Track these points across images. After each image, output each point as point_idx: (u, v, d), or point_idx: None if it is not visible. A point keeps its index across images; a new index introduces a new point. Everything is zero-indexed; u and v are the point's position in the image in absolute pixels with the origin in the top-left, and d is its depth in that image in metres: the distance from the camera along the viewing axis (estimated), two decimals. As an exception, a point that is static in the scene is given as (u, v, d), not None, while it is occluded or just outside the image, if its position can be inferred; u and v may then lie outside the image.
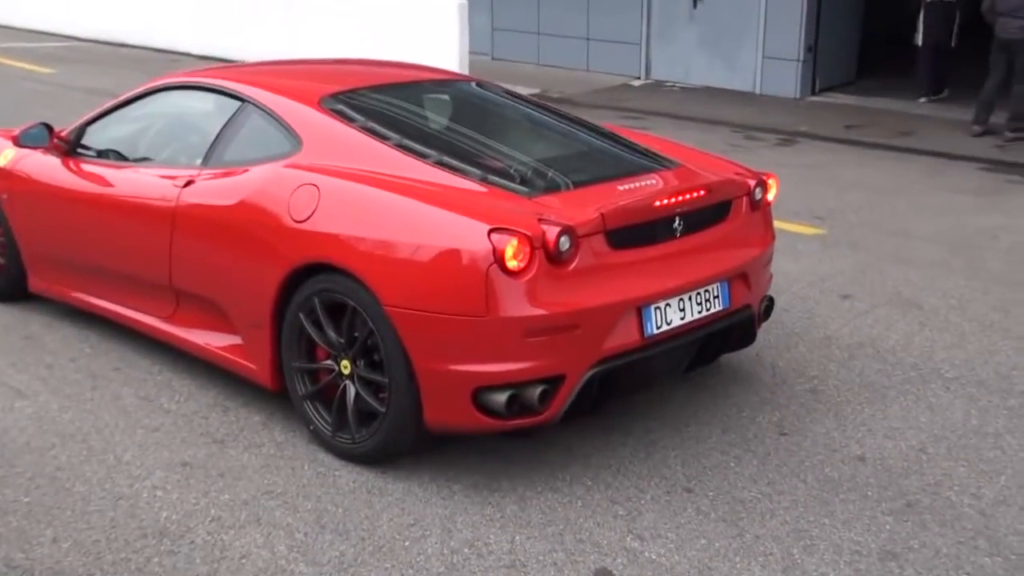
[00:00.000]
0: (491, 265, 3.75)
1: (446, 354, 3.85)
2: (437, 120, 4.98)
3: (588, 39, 14.51)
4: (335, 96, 4.74)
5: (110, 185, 5.12)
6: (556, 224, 3.84)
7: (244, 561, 3.61)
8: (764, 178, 4.70)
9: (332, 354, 4.22)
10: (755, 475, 4.19)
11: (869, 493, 4.06)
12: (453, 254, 3.83)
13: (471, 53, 12.61)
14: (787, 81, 12.94)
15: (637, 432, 4.51)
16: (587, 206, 4.04)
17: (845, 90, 13.37)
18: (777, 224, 7.28)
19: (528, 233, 3.79)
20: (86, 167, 5.29)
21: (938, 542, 3.75)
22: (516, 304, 3.79)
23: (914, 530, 3.82)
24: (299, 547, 3.69)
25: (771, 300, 4.84)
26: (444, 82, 5.51)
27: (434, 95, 5.26)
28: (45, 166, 5.42)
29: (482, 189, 4.15)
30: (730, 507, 3.96)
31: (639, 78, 14.20)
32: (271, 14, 14.68)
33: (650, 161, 4.67)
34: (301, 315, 4.24)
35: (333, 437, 4.25)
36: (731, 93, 13.32)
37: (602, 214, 3.98)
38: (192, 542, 3.71)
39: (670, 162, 4.67)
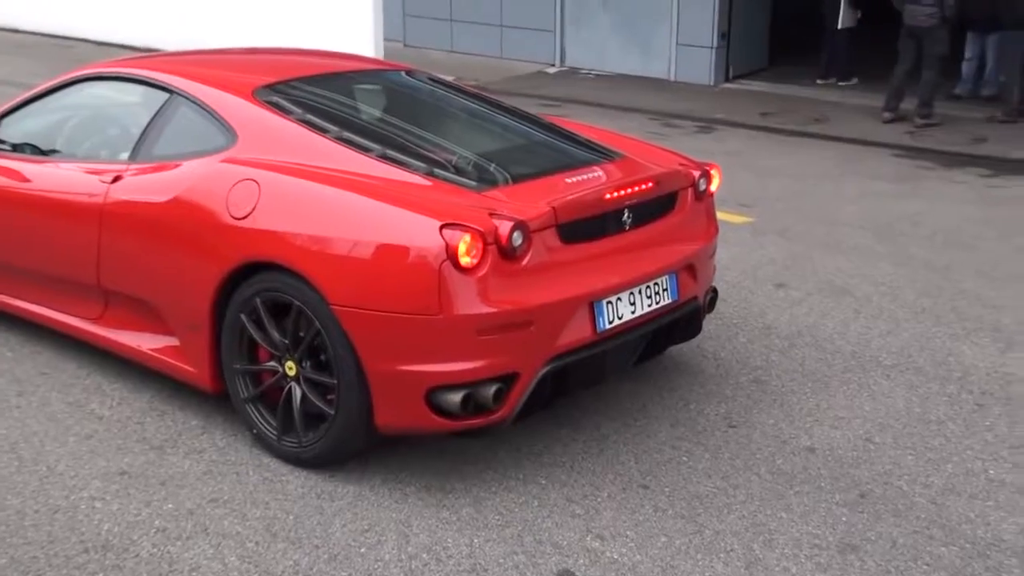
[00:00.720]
0: (444, 262, 3.66)
1: (398, 354, 3.75)
2: (374, 112, 4.86)
3: (502, 26, 14.42)
4: (268, 87, 4.58)
5: (29, 181, 4.89)
6: (509, 219, 3.76)
7: (195, 574, 3.47)
8: (708, 168, 4.68)
9: (276, 355, 4.08)
10: (708, 469, 4.17)
11: (822, 485, 4.07)
12: (403, 251, 3.73)
13: (384, 40, 12.42)
14: (701, 68, 13.03)
15: (587, 428, 4.46)
16: (537, 200, 3.96)
17: (758, 76, 13.51)
18: None
19: (481, 228, 3.70)
20: (2, 162, 5.03)
21: (894, 532, 3.77)
22: (469, 302, 3.70)
23: (870, 521, 3.84)
24: (251, 557, 3.56)
25: (715, 291, 4.84)
26: (376, 72, 5.39)
27: (368, 85, 5.13)
28: (-42, 160, 5.15)
29: (428, 183, 4.04)
30: (687, 503, 3.93)
31: (554, 65, 14.16)
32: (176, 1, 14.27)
33: (594, 153, 4.62)
34: (242, 315, 4.09)
35: (279, 441, 4.11)
36: (646, 80, 13.36)
37: (553, 208, 3.91)
38: (137, 555, 3.56)
39: (614, 153, 4.62)
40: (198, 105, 4.50)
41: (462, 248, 3.65)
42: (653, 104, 12.17)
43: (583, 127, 5.12)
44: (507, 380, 3.83)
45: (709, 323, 5.45)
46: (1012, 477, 4.14)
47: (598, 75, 13.73)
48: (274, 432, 4.13)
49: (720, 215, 7.44)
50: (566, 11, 13.97)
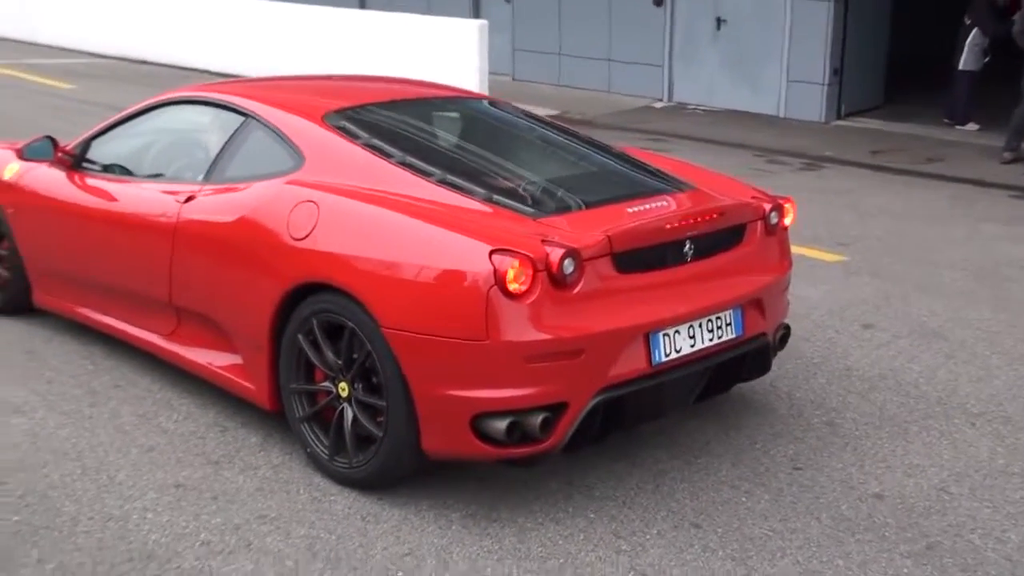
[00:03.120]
0: (492, 287, 3.64)
1: (445, 378, 3.74)
2: (444, 137, 4.89)
3: (610, 60, 14.42)
4: (339, 112, 4.66)
5: (113, 200, 5.05)
6: (560, 246, 3.72)
7: (230, 590, 3.49)
8: (781, 202, 4.58)
9: (330, 376, 4.12)
10: (766, 511, 4.04)
11: (887, 534, 3.91)
12: (453, 275, 3.72)
13: (491, 73, 12.56)
14: (812, 105, 12.80)
15: (645, 463, 4.37)
16: (593, 228, 3.92)
17: (872, 114, 13.21)
18: (798, 249, 7.18)
19: (531, 255, 3.68)
20: (90, 181, 5.23)
21: (957, 586, 3.59)
22: (517, 328, 3.67)
23: (933, 572, 3.66)
24: (288, 575, 3.57)
25: (787, 328, 4.70)
26: (453, 99, 5.42)
27: (442, 112, 5.17)
28: (49, 180, 5.37)
29: (486, 209, 4.04)
30: (739, 544, 3.81)
31: (661, 100, 14.09)
32: (292, 33, 14.68)
33: (662, 183, 4.56)
34: (299, 336, 4.14)
35: (330, 461, 4.14)
36: (755, 116, 13.19)
37: (608, 236, 3.86)
38: (179, 567, 3.61)
39: (684, 184, 4.55)
40: (270, 128, 4.60)
41: (511, 274, 3.63)
42: (760, 141, 12.00)
43: (659, 158, 5.07)
44: (555, 410, 3.79)
45: (785, 361, 5.33)
46: (1095, 535, 3.91)
47: (706, 111, 13.62)
48: (326, 452, 4.16)
49: (813, 252, 7.41)
50: (675, 46, 13.91)
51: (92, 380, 5.07)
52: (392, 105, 4.98)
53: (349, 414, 4.07)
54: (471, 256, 3.72)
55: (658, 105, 14.03)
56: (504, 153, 4.83)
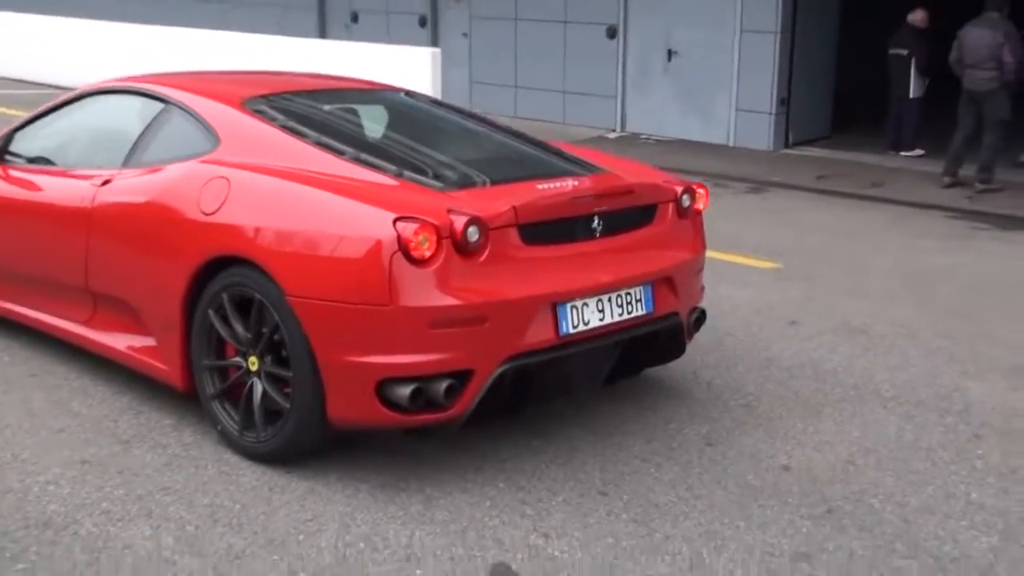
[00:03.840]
0: (395, 253, 3.69)
1: (349, 345, 3.77)
2: (361, 123, 4.96)
3: (564, 92, 14.61)
4: (259, 98, 4.73)
5: (32, 189, 5.08)
6: (464, 214, 3.78)
7: (127, 551, 3.49)
8: (693, 186, 4.66)
9: (240, 351, 4.14)
10: (674, 481, 4.09)
11: (790, 500, 3.96)
12: (357, 242, 3.77)
13: (445, 102, 12.65)
14: (760, 134, 12.99)
15: (558, 439, 4.41)
16: (500, 201, 3.98)
17: (819, 144, 13.41)
18: (730, 258, 7.39)
19: (435, 222, 3.73)
20: (12, 172, 5.24)
21: (854, 544, 3.64)
22: (420, 293, 3.72)
23: (831, 533, 3.71)
24: (187, 539, 3.57)
25: (703, 312, 4.77)
26: (372, 90, 5.52)
27: (361, 102, 5.25)
28: (-31, 173, 5.37)
29: (394, 183, 4.10)
30: (643, 509, 3.85)
31: (615, 130, 14.26)
32: (251, 63, 14.76)
33: (574, 166, 4.64)
34: (210, 311, 4.17)
35: (240, 436, 4.16)
36: (705, 145, 13.36)
37: (514, 207, 3.93)
38: (76, 533, 3.60)
39: (595, 168, 4.63)
40: (188, 113, 4.65)
41: (414, 240, 3.68)
42: (709, 167, 12.12)
43: (578, 148, 5.14)
44: (460, 377, 3.82)
45: (708, 354, 5.40)
46: (995, 501, 3.98)
47: (658, 140, 13.79)
48: (236, 428, 4.17)
49: (746, 260, 7.51)
50: (628, 78, 14.11)
51: (7, 369, 5.06)
52: (311, 94, 5.06)
53: (258, 388, 4.09)
54: (375, 223, 3.77)
55: (611, 135, 14.19)
56: (419, 137, 4.90)
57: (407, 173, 4.20)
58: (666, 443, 4.41)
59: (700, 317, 4.74)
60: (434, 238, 3.71)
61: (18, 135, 5.36)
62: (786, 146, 13.24)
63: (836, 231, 8.83)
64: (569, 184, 4.28)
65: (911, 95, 12.41)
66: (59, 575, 3.35)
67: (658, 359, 4.65)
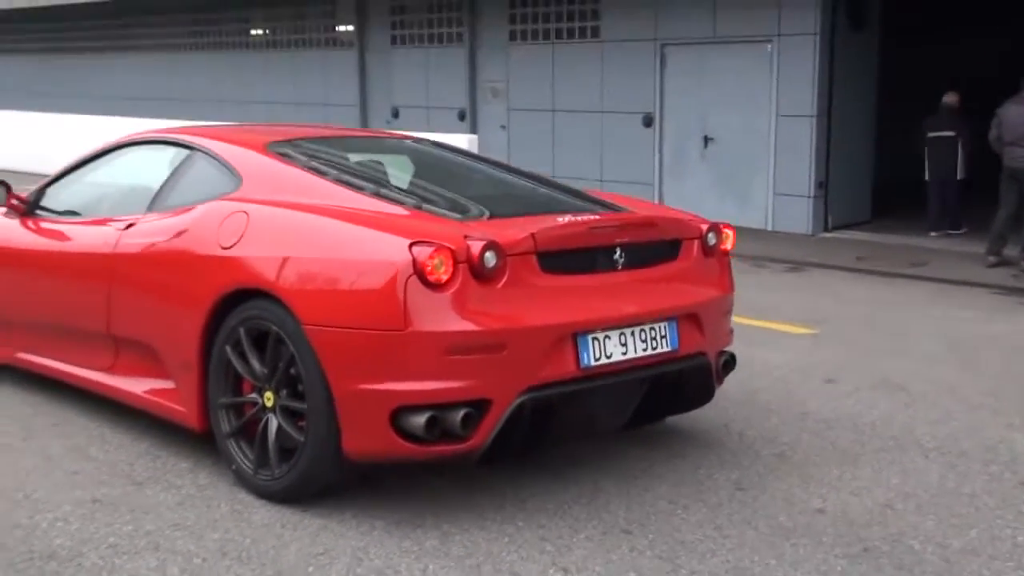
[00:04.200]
0: (410, 276, 3.63)
1: (364, 372, 3.69)
2: (383, 166, 4.96)
3: (602, 181, 14.64)
4: (283, 142, 4.76)
5: (59, 239, 5.10)
6: (482, 239, 3.72)
7: (130, 580, 3.37)
8: (719, 225, 4.58)
9: (256, 387, 4.07)
10: (702, 521, 3.93)
11: (824, 540, 3.79)
12: (372, 266, 3.73)
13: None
14: (799, 217, 12.89)
15: (582, 482, 4.28)
16: (519, 229, 3.93)
17: (859, 228, 13.29)
18: (766, 324, 7.25)
19: (451, 246, 3.68)
20: (43, 225, 5.27)
21: (891, 580, 3.44)
22: (436, 318, 3.64)
23: (868, 571, 3.53)
24: (193, 571, 3.47)
25: (732, 356, 4.65)
26: (398, 138, 5.55)
27: (386, 147, 5.28)
28: (1, 227, 5.41)
29: (412, 213, 4.08)
30: (669, 547, 3.69)
31: (652, 217, 14.23)
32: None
33: (597, 204, 4.58)
34: (227, 347, 4.12)
35: (254, 475, 4.07)
36: (744, 230, 13.18)
37: (533, 234, 3.87)
38: (80, 564, 3.51)
39: (618, 207, 4.58)
40: (212, 157, 4.67)
41: (430, 264, 3.62)
42: (748, 250, 11.94)
43: (600, 193, 5.09)
44: (478, 407, 3.72)
45: (738, 406, 5.27)
46: (1042, 541, 3.77)
47: (695, 226, 13.72)
48: (251, 466, 4.09)
49: (783, 326, 7.37)
50: (664, 165, 14.14)
51: (30, 420, 5.02)
52: (336, 140, 5.09)
53: (273, 424, 4.02)
54: (391, 248, 3.73)
55: (647, 222, 14.15)
56: (441, 179, 4.91)
57: (426, 206, 4.17)
58: (695, 487, 4.26)
59: (729, 361, 4.61)
60: (450, 262, 3.65)
61: (50, 190, 5.40)
62: (825, 230, 13.12)
63: (876, 302, 8.67)
64: (590, 216, 4.21)
65: (958, 176, 12.34)
66: (59, 602, 3.23)
67: (685, 403, 4.52)
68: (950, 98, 12.38)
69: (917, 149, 12.68)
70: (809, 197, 12.88)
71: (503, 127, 15.90)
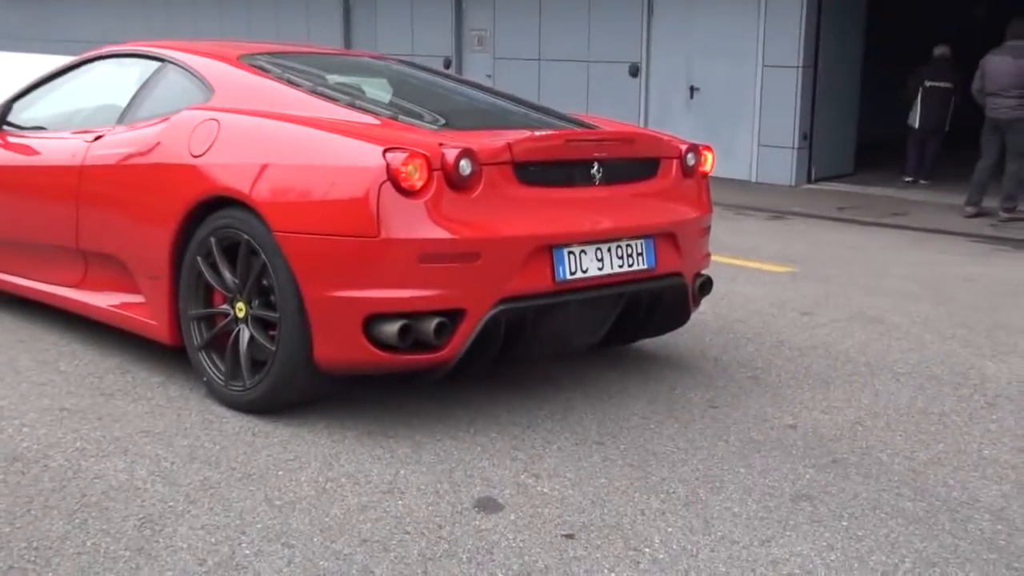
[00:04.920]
0: (384, 183, 3.60)
1: (336, 279, 3.67)
2: (360, 80, 4.90)
3: (585, 129, 14.60)
4: (255, 55, 4.70)
5: (26, 154, 5.05)
6: (457, 146, 3.69)
7: (97, 481, 3.37)
8: (699, 146, 4.56)
9: (228, 297, 4.05)
10: (674, 435, 3.94)
11: (794, 452, 3.81)
12: (345, 172, 3.70)
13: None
14: (783, 169, 12.89)
15: (557, 400, 4.29)
16: (496, 139, 3.90)
17: (842, 180, 13.29)
18: (746, 263, 7.25)
19: (426, 153, 3.64)
20: (9, 139, 5.20)
21: (858, 488, 3.48)
22: (410, 225, 3.62)
23: (834, 479, 3.55)
24: (161, 472, 3.45)
25: (708, 279, 4.64)
26: (376, 57, 5.52)
27: (364, 65, 5.23)
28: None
29: (387, 123, 4.05)
30: (640, 456, 3.71)
31: (635, 167, 14.20)
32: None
33: (575, 123, 4.57)
34: (199, 258, 4.08)
35: (226, 386, 4.05)
36: (727, 181, 13.22)
37: (509, 144, 3.84)
38: (46, 466, 3.49)
39: (593, 125, 4.56)
40: (184, 69, 4.62)
41: (403, 170, 3.58)
42: (731, 199, 11.95)
43: (586, 116, 5.06)
44: (452, 316, 3.71)
45: (715, 334, 5.28)
46: (1009, 456, 3.81)
47: (678, 176, 13.71)
48: (222, 378, 4.07)
49: (760, 265, 7.38)
50: (650, 114, 14.10)
51: (-2, 338, 4.98)
52: (308, 56, 5.05)
53: (245, 335, 4.00)
54: (364, 155, 3.70)
55: (630, 172, 14.13)
56: (419, 94, 4.88)
57: (402, 117, 4.14)
58: (668, 405, 4.27)
59: (706, 283, 4.61)
60: (425, 169, 3.62)
61: (16, 104, 5.32)
62: (809, 181, 13.12)
63: (855, 247, 8.69)
64: (567, 128, 4.19)
65: (947, 127, 12.37)
66: (22, 500, 3.21)
67: (660, 325, 4.52)
68: (941, 50, 12.37)
69: (905, 98, 12.66)
70: (793, 148, 12.87)
71: (489, 76, 15.80)
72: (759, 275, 6.98)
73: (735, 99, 13.21)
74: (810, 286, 6.70)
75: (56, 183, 4.71)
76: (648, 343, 5.02)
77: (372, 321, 3.66)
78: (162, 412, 4.01)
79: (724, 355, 5.02)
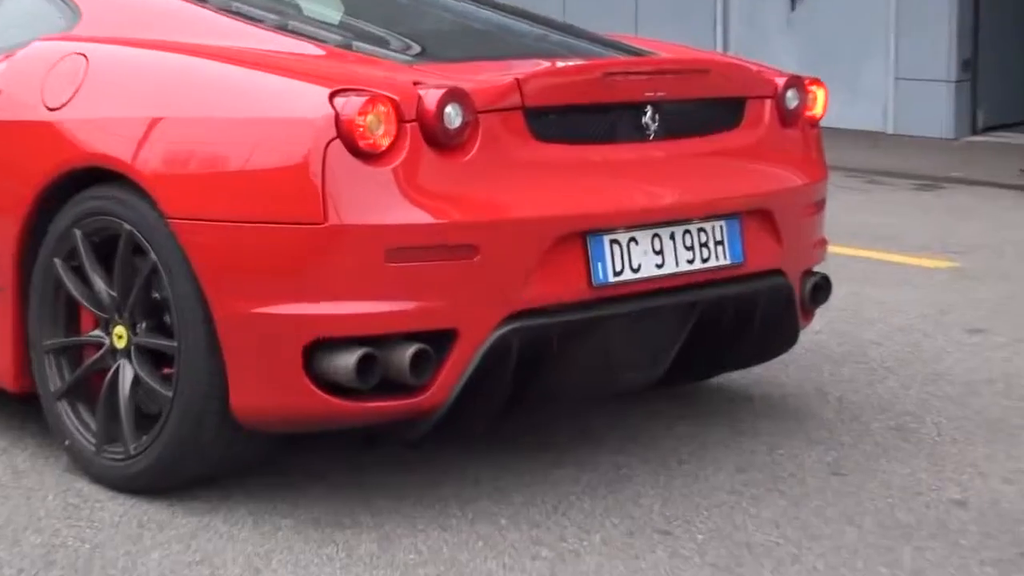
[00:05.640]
0: (332, 141, 3.58)
1: (261, 288, 3.67)
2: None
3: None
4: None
5: None
6: (440, 86, 3.67)
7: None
8: (804, 81, 4.56)
9: (102, 319, 4.05)
10: (778, 518, 3.94)
11: (963, 542, 3.80)
12: (274, 128, 3.70)
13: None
14: (933, 114, 12.87)
15: (599, 466, 4.29)
16: (498, 73, 3.90)
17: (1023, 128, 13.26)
18: (885, 256, 7.29)
19: (393, 96, 3.62)
20: None
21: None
22: (371, 205, 3.61)
23: (1027, 581, 3.52)
24: (0, 583, 3.44)
25: (825, 280, 4.64)
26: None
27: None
28: None
29: (336, 54, 4.08)
30: (728, 552, 3.71)
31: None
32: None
33: (614, 48, 4.62)
34: (57, 261, 4.08)
35: (98, 453, 4.05)
36: (851, 133, 13.15)
37: (518, 80, 3.82)
38: None
39: (647, 51, 4.57)
40: (37, -17, 4.64)
41: (361, 122, 3.56)
42: (859, 162, 11.92)
43: (628, 37, 5.08)
44: (437, 341, 3.68)
45: (838, 363, 5.38)
46: None
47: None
48: (93, 441, 4.06)
49: (906, 259, 7.40)
50: (731, 33, 14.24)
51: None
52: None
53: (127, 375, 3.99)
54: (302, 100, 3.70)
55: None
56: (380, 8, 4.95)
57: (358, 44, 4.14)
58: (768, 472, 4.29)
59: (821, 285, 4.62)
60: (392, 120, 3.60)
61: None
62: (973, 132, 13.11)
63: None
64: (606, 57, 4.21)
65: None
66: None
67: (753, 350, 4.54)
68: None
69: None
70: (949, 82, 12.85)
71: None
72: (905, 274, 7.03)
73: (859, 10, 13.22)
74: (981, 289, 6.75)
75: None
76: (734, 378, 5.02)
77: (317, 350, 3.65)
78: (4, 495, 4.00)
79: (852, 395, 5.04)
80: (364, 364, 3.62)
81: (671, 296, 4.06)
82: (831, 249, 4.84)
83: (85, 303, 4.07)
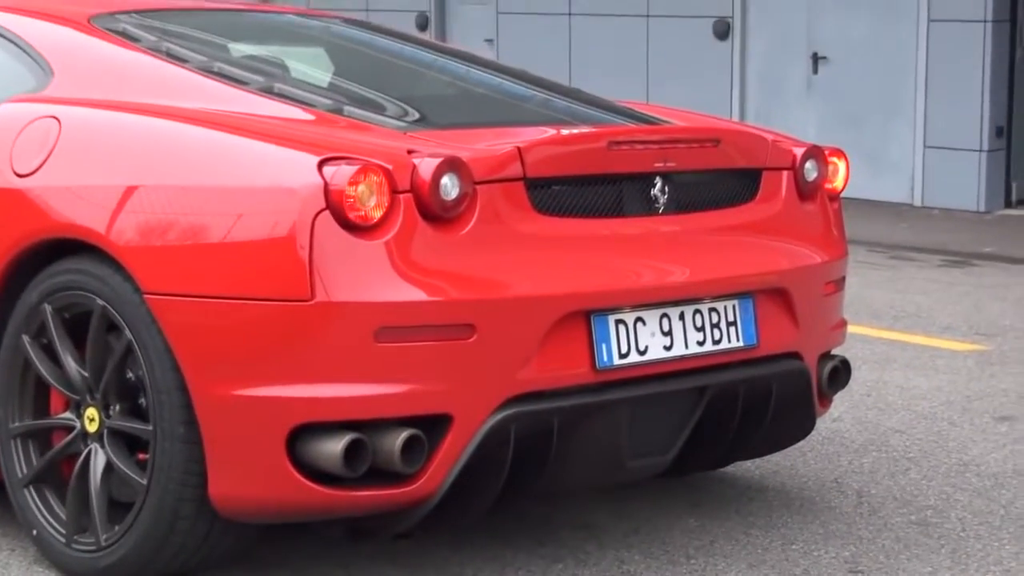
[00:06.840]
0: (320, 212, 3.64)
1: (243, 369, 3.71)
2: (277, 49, 5.01)
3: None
4: (116, 14, 4.80)
5: None
6: (436, 155, 3.74)
7: None
8: (825, 151, 4.62)
9: (73, 401, 4.09)
10: (791, 618, 3.94)
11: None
12: (258, 198, 3.75)
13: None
14: (964, 185, 12.89)
15: (601, 561, 4.30)
16: (498, 141, 3.96)
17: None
18: (910, 337, 7.31)
19: (386, 165, 3.69)
20: None
21: None
22: (361, 281, 3.66)
23: None
24: None
25: (845, 363, 4.68)
26: (303, 15, 5.62)
27: (279, 23, 5.33)
28: None
29: (326, 119, 4.14)
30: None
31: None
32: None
33: (621, 115, 4.68)
34: (25, 338, 4.13)
35: (68, 545, 4.07)
36: (876, 205, 13.24)
37: (519, 149, 3.88)
38: None
39: (657, 118, 4.63)
40: (7, 39, 4.70)
41: (352, 192, 3.62)
42: (883, 235, 11.99)
43: (638, 104, 5.15)
44: (430, 426, 3.73)
45: (858, 453, 5.41)
46: None
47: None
48: (62, 533, 4.09)
49: (930, 341, 7.44)
50: (748, 98, 14.27)
51: None
52: (202, 13, 5.15)
53: (100, 461, 4.02)
54: (289, 169, 3.76)
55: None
56: (373, 72, 4.99)
57: (348, 108, 4.21)
58: (782, 569, 4.30)
59: (839, 370, 4.65)
60: (385, 191, 3.66)
61: None
62: (1007, 205, 13.14)
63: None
64: (613, 124, 4.26)
65: None
66: None
67: (767, 438, 4.55)
68: None
69: None
70: (981, 152, 12.86)
71: (488, 42, 15.99)
72: (930, 356, 7.02)
73: (885, 74, 13.27)
74: (1011, 375, 6.74)
75: None
76: (747, 467, 5.06)
77: (302, 435, 3.69)
78: (-35, 588, 4.03)
79: (872, 486, 5.06)
80: (352, 450, 3.65)
81: (680, 380, 4.10)
82: (851, 329, 4.88)
83: (55, 383, 4.11)
